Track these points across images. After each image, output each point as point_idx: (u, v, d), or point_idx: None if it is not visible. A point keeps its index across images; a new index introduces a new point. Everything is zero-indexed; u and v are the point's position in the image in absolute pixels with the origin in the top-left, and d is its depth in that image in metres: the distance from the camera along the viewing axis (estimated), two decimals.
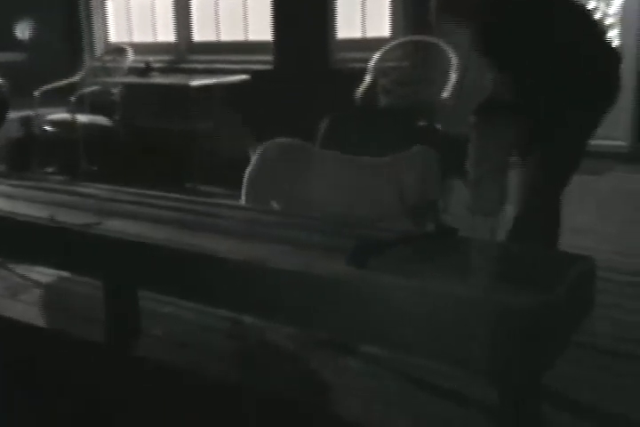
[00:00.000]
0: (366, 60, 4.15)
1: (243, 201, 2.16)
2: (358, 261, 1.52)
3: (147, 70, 4.63)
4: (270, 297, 1.62)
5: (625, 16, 4.50)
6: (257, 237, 1.81)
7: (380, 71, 4.16)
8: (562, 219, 1.99)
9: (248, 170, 2.14)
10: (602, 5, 4.57)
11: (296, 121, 4.19)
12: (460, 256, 1.39)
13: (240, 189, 2.15)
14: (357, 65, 4.21)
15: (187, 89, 4.25)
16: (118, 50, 5.01)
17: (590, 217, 2.74)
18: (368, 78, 4.12)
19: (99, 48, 5.42)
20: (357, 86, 4.05)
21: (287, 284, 1.58)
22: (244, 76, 4.53)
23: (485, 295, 1.33)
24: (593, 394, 1.81)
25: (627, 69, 2.53)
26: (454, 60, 3.91)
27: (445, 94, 3.79)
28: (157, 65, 4.82)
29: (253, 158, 2.14)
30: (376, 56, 4.15)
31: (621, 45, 4.28)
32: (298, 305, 1.58)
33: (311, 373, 2.04)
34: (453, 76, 3.85)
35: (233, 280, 1.69)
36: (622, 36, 4.46)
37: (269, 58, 4.60)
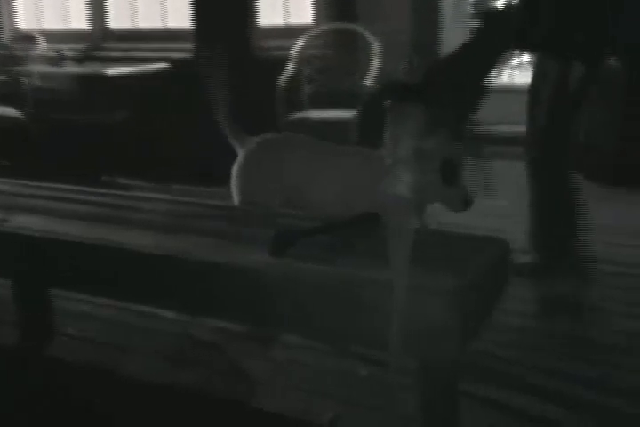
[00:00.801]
0: (289, 48, 4.10)
1: (236, 200, 1.91)
2: (277, 251, 1.52)
3: (60, 59, 4.45)
4: (191, 290, 1.58)
5: None
6: (176, 229, 1.76)
7: (302, 59, 4.12)
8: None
9: (238, 167, 1.89)
10: None
11: (217, 111, 4.11)
12: (378, 242, 1.40)
13: (157, 181, 2.05)
14: (280, 53, 4.16)
15: (103, 78, 4.10)
16: (28, 37, 4.79)
17: (511, 202, 2.79)
18: (291, 66, 4.08)
19: (6, 35, 5.15)
20: (280, 75, 4.01)
21: (208, 276, 1.55)
22: (162, 65, 4.41)
23: (400, 279, 1.35)
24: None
25: None
26: (376, 47, 3.93)
27: (368, 82, 3.80)
28: (71, 53, 4.63)
29: (243, 153, 1.90)
30: (299, 44, 4.12)
31: None
32: (220, 297, 1.54)
33: (236, 366, 2.03)
34: (376, 64, 3.87)
35: (152, 275, 1.63)
36: None
37: (189, 46, 4.49)
